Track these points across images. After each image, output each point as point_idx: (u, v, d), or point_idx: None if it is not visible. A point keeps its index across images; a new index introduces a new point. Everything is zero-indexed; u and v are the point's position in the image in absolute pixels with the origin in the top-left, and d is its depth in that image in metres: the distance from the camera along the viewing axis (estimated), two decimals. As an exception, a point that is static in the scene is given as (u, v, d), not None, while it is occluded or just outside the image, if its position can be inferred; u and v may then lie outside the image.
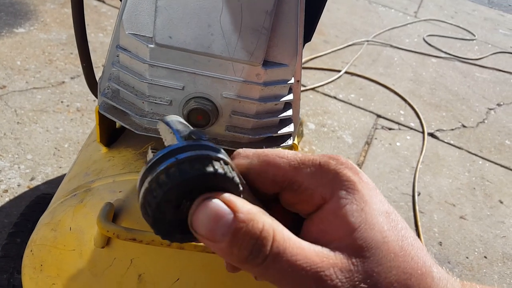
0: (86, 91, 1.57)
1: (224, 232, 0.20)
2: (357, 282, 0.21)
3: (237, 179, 0.22)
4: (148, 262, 0.50)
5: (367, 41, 2.70)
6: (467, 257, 1.43)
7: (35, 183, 1.16)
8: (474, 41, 3.26)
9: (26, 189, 1.14)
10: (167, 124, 0.24)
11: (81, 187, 0.55)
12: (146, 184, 0.21)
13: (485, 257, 1.46)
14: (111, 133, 0.60)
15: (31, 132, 1.33)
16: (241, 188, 0.22)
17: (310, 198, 0.24)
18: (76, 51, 1.96)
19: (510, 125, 2.27)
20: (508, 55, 3.17)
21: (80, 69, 1.67)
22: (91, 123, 1.43)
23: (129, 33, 0.43)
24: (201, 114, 0.45)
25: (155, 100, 0.46)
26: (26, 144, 1.28)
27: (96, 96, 0.56)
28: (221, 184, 0.21)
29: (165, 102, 0.46)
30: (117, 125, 0.62)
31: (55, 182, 1.17)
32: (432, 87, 2.41)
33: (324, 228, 0.23)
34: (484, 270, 1.40)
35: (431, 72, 2.60)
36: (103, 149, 0.60)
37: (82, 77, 1.64)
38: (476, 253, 1.46)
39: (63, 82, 1.60)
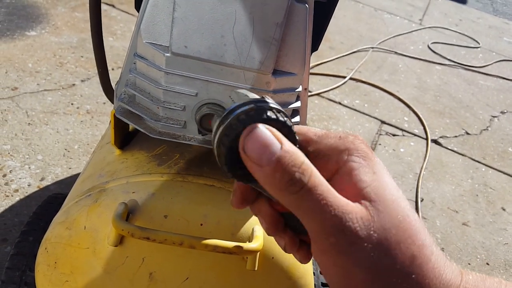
0: (96, 94, 1.60)
1: (271, 157, 0.23)
2: (372, 231, 0.24)
3: (289, 122, 0.26)
4: (159, 261, 0.52)
5: (372, 48, 2.72)
6: (469, 263, 1.44)
7: (45, 183, 1.18)
8: (479, 49, 3.27)
9: (36, 189, 1.17)
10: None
11: (96, 188, 0.57)
12: (226, 123, 0.25)
13: (487, 263, 1.46)
14: (125, 136, 0.62)
15: (42, 133, 1.35)
16: (294, 130, 0.27)
17: (326, 164, 0.27)
18: (86, 55, 1.99)
19: (514, 133, 2.28)
20: (512, 63, 3.18)
21: (91, 72, 1.71)
22: (101, 125, 1.46)
23: (147, 42, 0.45)
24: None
25: (170, 105, 0.48)
26: (36, 145, 1.31)
27: (111, 100, 0.59)
28: (276, 126, 0.25)
29: (179, 108, 0.48)
30: (130, 128, 0.64)
31: (65, 183, 1.19)
32: (436, 94, 2.43)
33: (339, 188, 0.25)
34: (486, 277, 1.41)
35: (435, 79, 2.61)
36: (117, 151, 0.62)
37: (92, 80, 1.68)
38: (478, 259, 1.47)
39: (74, 84, 1.63)
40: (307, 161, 0.24)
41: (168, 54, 0.44)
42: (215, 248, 0.46)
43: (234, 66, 0.45)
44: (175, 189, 0.54)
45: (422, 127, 2.07)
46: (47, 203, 0.77)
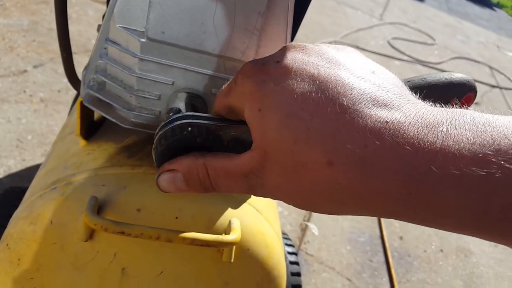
0: (50, 81, 1.52)
1: (180, 187, 0.31)
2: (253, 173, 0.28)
3: (195, 131, 0.31)
4: (132, 255, 0.50)
5: (335, 41, 2.77)
6: (425, 251, 1.52)
7: (-3, 176, 1.11)
8: (435, 45, 3.41)
9: (-12, 182, 1.10)
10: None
11: (61, 180, 0.54)
12: (159, 134, 0.32)
13: (441, 250, 1.55)
14: (90, 127, 0.59)
15: (-8, 122, 1.27)
16: (209, 137, 0.31)
17: (240, 115, 0.30)
18: (39, 39, 1.89)
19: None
20: (464, 60, 3.35)
21: (44, 58, 1.61)
22: (56, 115, 1.39)
23: (120, 26, 0.43)
24: (190, 109, 0.46)
25: (144, 94, 0.46)
26: (-14, 135, 1.22)
27: (75, 88, 0.55)
28: (194, 139, 0.31)
29: (153, 97, 0.46)
30: (96, 117, 0.61)
31: (19, 176, 1.12)
32: (395, 88, 2.51)
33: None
34: (440, 263, 1.49)
35: (394, 74, 2.71)
36: (82, 142, 0.59)
37: (46, 66, 1.59)
38: (433, 247, 1.55)
39: (25, 70, 1.54)
40: (199, 164, 0.30)
41: (143, 40, 0.42)
42: (193, 241, 0.45)
43: (213, 55, 0.43)
44: (148, 182, 0.52)
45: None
46: (4, 197, 0.72)
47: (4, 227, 0.66)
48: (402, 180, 0.22)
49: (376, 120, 0.23)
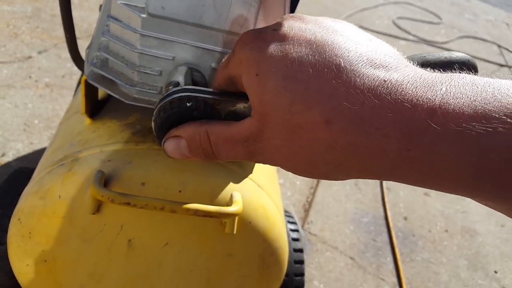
0: (54, 66, 1.53)
1: (184, 152, 0.32)
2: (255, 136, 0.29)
3: (199, 110, 0.32)
4: (138, 227, 0.52)
5: (340, 23, 2.74)
6: (429, 231, 1.53)
7: (6, 159, 1.14)
8: (441, 25, 3.36)
9: (-3, 165, 1.12)
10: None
11: (68, 157, 0.55)
12: (158, 106, 0.33)
13: (446, 230, 1.56)
14: (94, 105, 0.60)
15: (-1, 107, 1.29)
16: (207, 111, 0.32)
17: (239, 85, 0.30)
18: (42, 25, 1.89)
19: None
20: (472, 39, 3.31)
21: (47, 44, 1.63)
22: (61, 99, 1.40)
23: (121, 2, 0.43)
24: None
25: (145, 70, 0.47)
26: (-6, 119, 1.24)
27: (79, 68, 0.57)
28: (191, 111, 0.32)
29: (155, 73, 0.47)
30: (100, 97, 0.62)
31: (28, 159, 1.15)
32: (400, 69, 2.49)
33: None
34: (445, 243, 1.50)
35: (400, 55, 2.68)
36: (87, 121, 0.60)
37: (50, 52, 1.60)
38: (438, 227, 1.56)
39: (30, 56, 1.55)
40: (201, 131, 0.31)
41: (144, 15, 0.43)
42: (196, 212, 0.46)
43: (212, 29, 0.44)
44: (152, 157, 0.53)
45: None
46: (13, 177, 0.74)
47: (14, 205, 0.68)
48: (400, 136, 0.22)
49: (373, 79, 0.24)
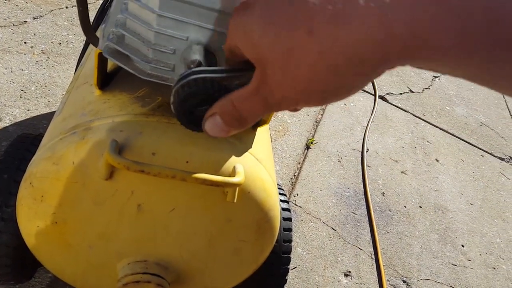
0: (50, 33, 1.51)
1: (222, 127, 0.35)
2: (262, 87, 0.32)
3: (209, 85, 0.36)
4: (148, 193, 0.56)
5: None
6: (405, 206, 1.62)
7: (2, 124, 1.15)
8: None
9: (-7, 130, 1.13)
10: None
11: (80, 126, 0.59)
12: (177, 86, 0.37)
13: (420, 206, 1.66)
14: (104, 77, 0.63)
15: (-7, 72, 1.28)
16: (221, 88, 0.36)
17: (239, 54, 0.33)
18: (36, -11, 1.81)
19: (451, 93, 2.48)
20: None
21: (43, 9, 1.60)
22: (58, 67, 1.40)
23: (141, -17, 0.46)
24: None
25: (160, 48, 0.50)
26: (-12, 84, 1.24)
27: (91, 41, 0.59)
28: (207, 90, 0.36)
29: (169, 51, 0.51)
30: (108, 70, 0.65)
31: (24, 124, 1.16)
32: (386, 51, 2.54)
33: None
34: (418, 218, 1.60)
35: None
36: (97, 92, 0.63)
37: (45, 18, 1.57)
38: (412, 203, 1.65)
39: (25, 22, 1.53)
40: (228, 104, 0.34)
41: (162, -3, 0.46)
42: (204, 181, 0.51)
43: (225, 12, 0.48)
44: (161, 129, 0.57)
45: (371, 84, 2.19)
46: (18, 143, 0.77)
47: (20, 169, 0.71)
48: (378, 20, 0.24)
49: None
